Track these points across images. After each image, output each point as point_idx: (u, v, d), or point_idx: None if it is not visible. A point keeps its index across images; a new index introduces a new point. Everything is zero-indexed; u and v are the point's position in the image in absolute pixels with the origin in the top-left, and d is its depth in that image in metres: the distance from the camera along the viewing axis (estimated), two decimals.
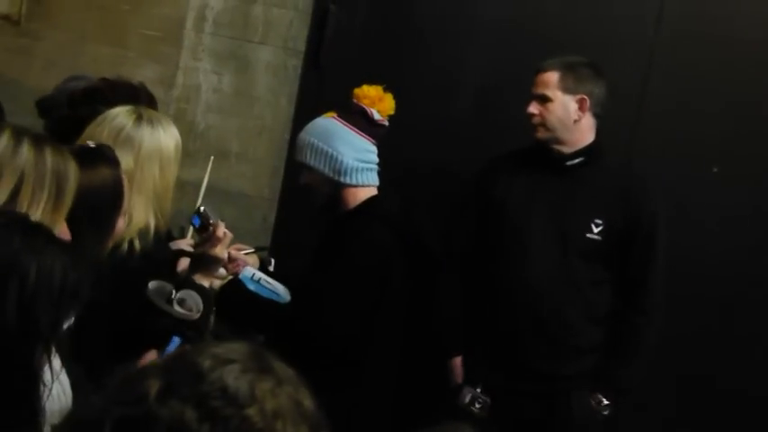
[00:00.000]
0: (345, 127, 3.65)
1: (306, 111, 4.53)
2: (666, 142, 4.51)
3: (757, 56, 4.51)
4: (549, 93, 3.92)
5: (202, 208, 3.26)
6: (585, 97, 3.92)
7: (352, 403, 3.50)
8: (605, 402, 3.95)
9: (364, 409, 3.58)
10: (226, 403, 1.22)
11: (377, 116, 3.69)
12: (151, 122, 3.03)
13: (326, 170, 3.61)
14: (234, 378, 1.24)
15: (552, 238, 3.92)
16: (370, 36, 4.63)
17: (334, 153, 3.61)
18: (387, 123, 3.71)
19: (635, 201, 3.95)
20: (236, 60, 4.53)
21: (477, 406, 3.96)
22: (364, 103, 3.69)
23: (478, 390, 3.98)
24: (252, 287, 3.48)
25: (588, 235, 3.90)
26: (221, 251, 3.09)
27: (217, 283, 3.33)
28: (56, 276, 1.86)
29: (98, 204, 2.62)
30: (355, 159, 3.62)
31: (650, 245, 3.95)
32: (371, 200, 3.65)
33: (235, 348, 1.29)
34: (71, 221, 2.41)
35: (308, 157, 3.63)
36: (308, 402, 1.30)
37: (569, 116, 3.92)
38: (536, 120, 3.93)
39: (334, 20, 4.58)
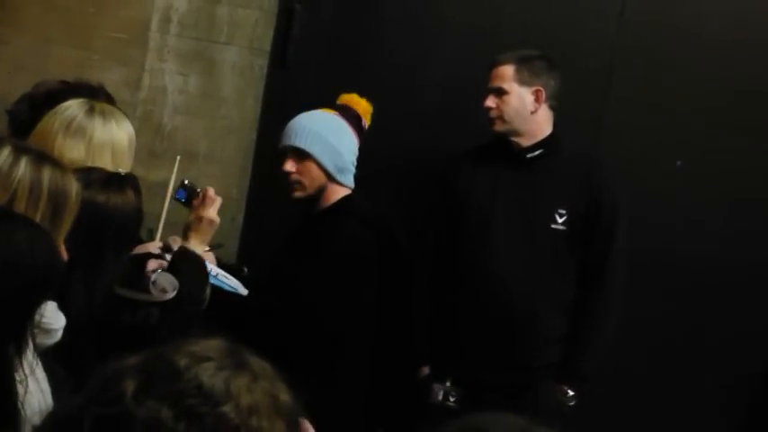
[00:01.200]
0: (348, 126, 3.72)
1: (273, 111, 4.55)
2: (631, 136, 4.55)
3: (720, 49, 4.56)
4: (504, 85, 3.98)
5: (186, 181, 3.37)
6: (541, 89, 3.98)
7: (326, 403, 3.51)
8: (571, 393, 3.99)
9: (338, 409, 3.59)
10: (201, 401, 1.24)
11: (365, 126, 3.79)
12: (103, 114, 3.03)
13: (328, 164, 3.65)
14: (209, 376, 1.26)
15: (517, 229, 3.96)
16: (335, 35, 4.64)
17: (341, 150, 3.66)
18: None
19: (596, 188, 3.99)
20: (202, 61, 4.54)
21: (451, 400, 3.99)
22: (358, 111, 3.78)
23: (448, 384, 4.01)
24: (212, 281, 3.47)
25: (553, 225, 3.94)
26: (214, 212, 3.21)
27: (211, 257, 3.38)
28: (23, 263, 1.87)
29: (124, 226, 2.71)
30: (350, 161, 3.69)
31: (611, 233, 3.99)
32: (346, 199, 3.69)
33: (211, 346, 1.31)
34: (97, 239, 2.53)
35: (311, 145, 3.64)
36: (284, 397, 1.32)
37: (526, 108, 3.98)
38: (493, 113, 3.99)
39: (299, 19, 4.59)
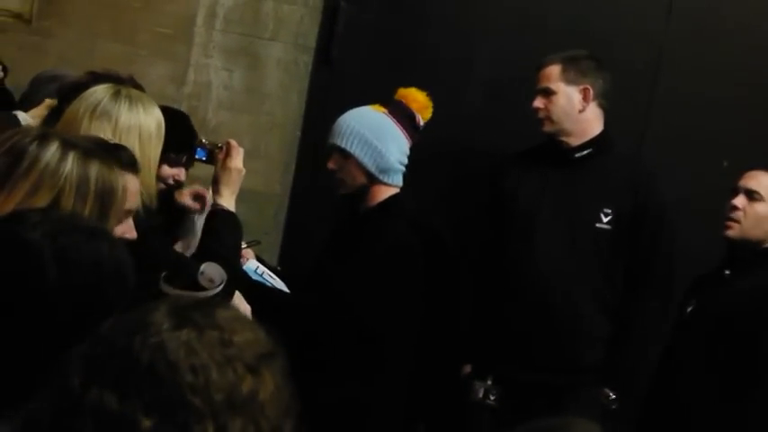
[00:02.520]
0: (396, 126, 3.65)
1: (317, 107, 4.55)
2: (676, 136, 4.51)
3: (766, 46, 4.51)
4: (551, 85, 3.97)
5: (204, 139, 3.38)
6: (589, 87, 3.96)
7: (362, 402, 3.51)
8: (613, 396, 3.95)
9: (374, 408, 3.59)
10: (142, 376, 1.25)
11: (421, 122, 3.72)
12: (130, 98, 3.00)
13: (369, 164, 3.59)
14: (149, 347, 1.27)
15: (562, 228, 3.94)
16: (380, 31, 4.64)
17: (383, 150, 3.60)
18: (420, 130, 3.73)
19: (643, 190, 3.96)
20: (247, 57, 4.54)
21: (491, 399, 3.97)
22: (413, 107, 3.69)
23: (489, 382, 3.99)
24: (255, 278, 3.50)
25: (598, 225, 3.92)
26: (241, 162, 3.21)
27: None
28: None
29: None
30: (397, 160, 3.62)
31: (658, 234, 3.97)
32: (393, 199, 3.65)
33: (155, 310, 1.32)
34: None
35: (352, 145, 3.60)
36: (239, 337, 1.30)
37: (574, 107, 3.95)
38: (541, 113, 3.97)
39: (344, 16, 4.59)
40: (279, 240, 4.52)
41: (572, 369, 3.95)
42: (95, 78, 3.32)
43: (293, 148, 4.57)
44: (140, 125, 2.98)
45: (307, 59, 4.56)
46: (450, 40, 4.62)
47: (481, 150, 4.53)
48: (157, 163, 3.08)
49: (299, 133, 4.57)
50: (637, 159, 4.15)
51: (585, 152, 3.99)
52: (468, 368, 4.08)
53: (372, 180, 3.61)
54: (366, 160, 3.60)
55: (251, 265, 3.55)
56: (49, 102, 3.48)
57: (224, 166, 3.20)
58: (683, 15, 4.54)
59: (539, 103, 3.98)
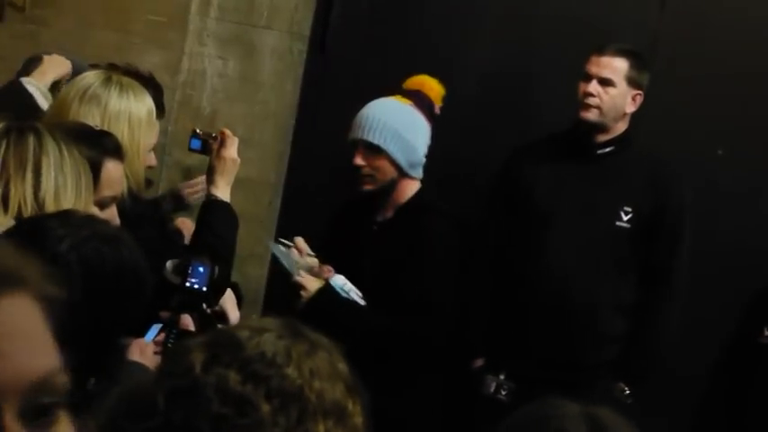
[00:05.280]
0: (423, 118, 3.59)
1: (311, 95, 4.55)
2: (672, 124, 4.51)
3: (762, 36, 4.51)
4: (615, 78, 3.91)
5: (198, 129, 3.35)
6: (641, 94, 3.93)
7: (408, 404, 3.49)
8: (628, 392, 3.94)
9: (420, 410, 3.57)
10: (265, 365, 1.32)
11: (437, 111, 3.66)
12: (120, 85, 3.02)
13: (401, 159, 3.52)
14: (270, 344, 1.35)
15: (580, 225, 3.91)
16: (374, 19, 4.63)
17: (416, 145, 3.54)
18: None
19: (663, 189, 3.94)
20: (242, 45, 4.53)
21: (503, 393, 3.95)
22: (430, 95, 3.62)
23: (502, 377, 3.96)
24: (344, 296, 3.44)
25: (618, 223, 3.89)
26: (235, 151, 3.19)
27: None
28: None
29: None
30: (424, 153, 3.58)
31: (676, 234, 3.95)
32: (421, 193, 3.60)
33: (268, 321, 1.41)
34: None
35: (385, 141, 3.51)
36: (342, 365, 1.39)
37: (624, 107, 3.93)
38: (593, 101, 3.90)
39: (339, 3, 4.58)
40: (273, 229, 4.51)
41: (586, 365, 3.94)
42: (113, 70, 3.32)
43: (288, 137, 4.56)
44: (130, 111, 2.99)
45: (301, 47, 4.55)
46: (445, 28, 4.61)
47: (474, 142, 4.52)
48: (147, 150, 3.10)
49: (293, 121, 4.56)
50: (657, 157, 4.09)
51: (609, 149, 3.96)
52: (480, 362, 4.05)
53: (402, 175, 3.55)
54: (399, 156, 3.52)
55: (337, 280, 3.47)
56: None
57: (218, 156, 3.17)
58: (678, 3, 4.53)
59: (594, 89, 3.89)
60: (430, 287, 3.44)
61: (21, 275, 0.93)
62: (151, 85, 3.37)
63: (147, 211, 3.21)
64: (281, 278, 3.63)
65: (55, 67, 3.58)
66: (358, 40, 4.59)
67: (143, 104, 3.03)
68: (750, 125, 4.51)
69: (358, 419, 1.37)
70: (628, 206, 3.90)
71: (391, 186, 3.56)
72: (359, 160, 3.54)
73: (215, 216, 3.10)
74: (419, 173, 3.60)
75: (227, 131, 3.22)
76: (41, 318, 0.94)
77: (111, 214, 2.66)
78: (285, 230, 4.54)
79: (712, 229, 4.45)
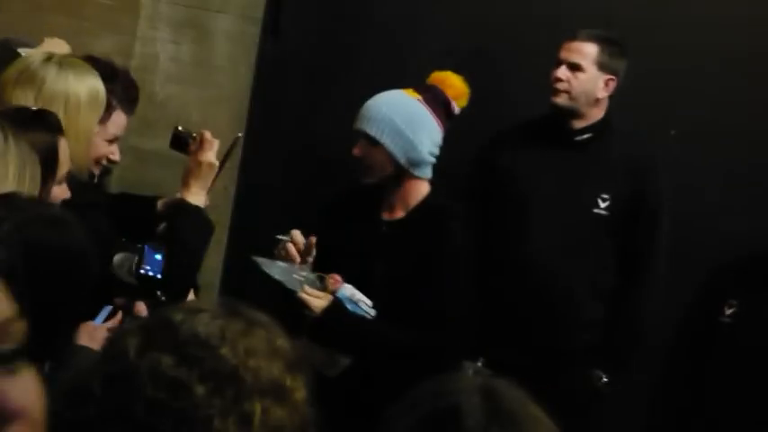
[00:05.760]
0: (430, 115, 3.42)
1: (265, 79, 4.53)
2: (624, 105, 4.53)
3: (714, 17, 4.53)
4: (583, 62, 3.91)
5: (179, 127, 3.23)
6: (614, 78, 3.93)
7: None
8: (605, 379, 3.95)
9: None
10: (199, 347, 1.32)
11: (456, 110, 3.50)
12: (60, 65, 2.88)
13: (399, 155, 3.38)
14: (204, 324, 1.35)
15: (558, 211, 3.91)
16: (328, 2, 4.62)
17: (416, 142, 3.38)
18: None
19: (641, 176, 3.96)
20: (195, 29, 4.51)
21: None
22: (449, 93, 3.47)
23: (479, 363, 3.97)
24: (349, 307, 3.32)
25: (595, 210, 3.90)
26: (214, 156, 3.07)
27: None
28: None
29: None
30: (429, 153, 3.42)
31: (654, 220, 3.97)
32: (434, 196, 3.48)
33: (204, 302, 1.44)
34: None
35: (382, 134, 3.37)
36: (281, 341, 1.39)
37: (595, 92, 3.93)
38: (562, 86, 3.91)
39: None
40: (229, 212, 4.50)
41: (564, 352, 3.94)
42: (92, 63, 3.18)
43: (242, 121, 4.54)
44: (68, 92, 2.85)
45: (254, 31, 4.53)
46: (400, 10, 4.60)
47: None
48: (90, 135, 2.95)
49: (247, 105, 4.55)
50: (635, 145, 4.10)
51: (586, 136, 3.96)
52: None
53: (402, 172, 3.42)
54: (396, 150, 3.38)
55: (345, 291, 3.34)
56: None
57: (195, 159, 3.06)
58: None
59: (563, 74, 3.90)
60: (449, 300, 3.35)
61: None
62: (121, 79, 3.23)
63: (93, 198, 3.11)
64: (274, 290, 3.35)
65: (54, 48, 3.46)
66: (311, 24, 4.58)
67: (84, 85, 2.89)
68: (703, 104, 4.54)
69: (299, 395, 1.37)
70: (605, 193, 3.91)
71: (395, 183, 3.44)
72: (356, 151, 3.43)
73: (182, 220, 3.02)
74: (425, 172, 3.45)
75: (207, 134, 3.11)
76: None
77: (64, 190, 2.64)
78: (241, 215, 4.54)
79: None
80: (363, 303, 3.33)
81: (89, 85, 2.90)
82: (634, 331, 3.99)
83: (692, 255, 4.41)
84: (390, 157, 3.39)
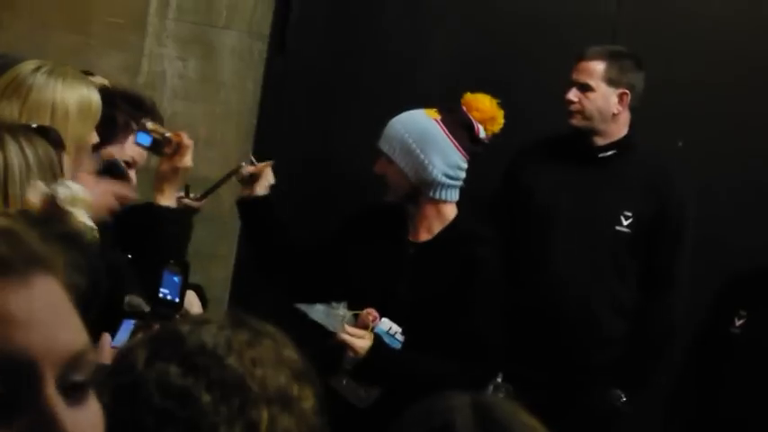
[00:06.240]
0: (446, 136, 3.35)
1: (272, 95, 4.54)
2: (632, 117, 4.53)
3: (719, 30, 4.54)
4: (591, 82, 3.91)
5: (149, 123, 3.04)
6: (627, 92, 3.92)
7: None
8: (624, 398, 3.92)
9: None
10: (206, 357, 1.34)
11: (482, 134, 3.42)
12: (51, 73, 2.68)
13: (411, 174, 3.34)
14: (211, 335, 1.37)
15: (579, 228, 3.91)
16: (335, 18, 4.63)
17: (426, 162, 3.32)
18: (486, 142, 3.44)
19: (664, 194, 3.94)
20: (201, 46, 4.52)
21: (501, 395, 3.94)
22: (474, 116, 3.40)
23: (499, 379, 3.96)
24: (387, 340, 3.29)
25: (618, 227, 3.88)
26: (190, 160, 3.01)
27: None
28: None
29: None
30: (444, 174, 3.35)
31: (677, 239, 3.95)
32: (460, 221, 3.44)
33: (211, 314, 1.40)
34: None
35: (395, 152, 3.34)
36: (288, 352, 1.41)
37: (609, 109, 3.92)
38: (574, 107, 3.91)
39: (298, 2, 4.58)
40: (236, 229, 4.50)
41: (584, 369, 3.93)
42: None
43: (249, 137, 4.55)
44: (54, 102, 2.65)
45: (261, 47, 4.54)
46: (405, 27, 4.61)
47: None
48: (82, 145, 2.74)
49: (254, 121, 4.55)
50: (659, 161, 4.08)
51: (610, 153, 3.95)
52: None
53: (417, 192, 3.38)
54: (407, 169, 3.34)
55: (383, 326, 3.30)
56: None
57: (173, 164, 2.99)
58: None
59: (573, 96, 3.90)
60: (487, 328, 3.33)
61: (47, 258, 0.96)
62: (142, 107, 3.11)
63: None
64: (315, 332, 3.27)
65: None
66: (318, 39, 4.59)
67: (75, 93, 2.69)
68: (709, 115, 4.54)
69: (306, 404, 1.38)
70: (628, 211, 3.89)
71: (413, 204, 3.40)
72: (377, 168, 3.41)
73: (170, 226, 2.98)
74: (445, 195, 3.39)
75: (185, 137, 3.03)
76: (67, 298, 0.97)
77: None
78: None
79: None
80: (399, 335, 3.30)
81: (82, 94, 2.71)
82: (655, 351, 3.96)
83: (701, 267, 4.40)
84: (404, 177, 3.36)
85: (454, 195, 3.42)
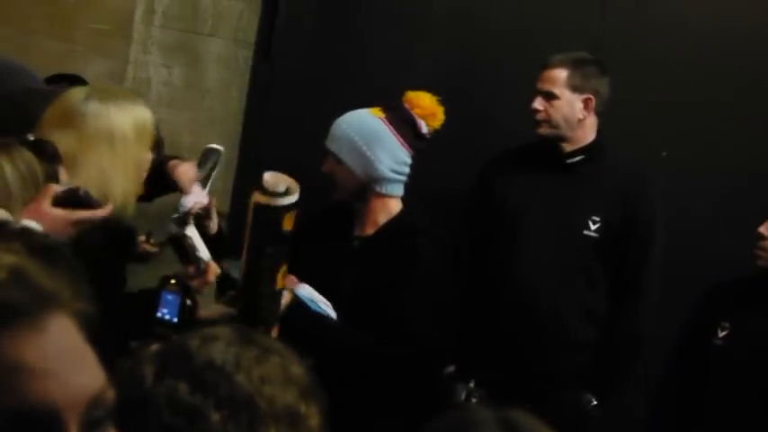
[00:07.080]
0: (391, 133, 3.43)
1: (257, 102, 4.54)
2: (616, 127, 4.55)
3: (703, 42, 4.56)
4: (555, 90, 3.93)
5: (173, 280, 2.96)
6: (591, 97, 3.94)
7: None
8: (594, 402, 3.94)
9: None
10: (215, 374, 1.35)
11: (424, 129, 3.49)
12: (102, 99, 2.75)
13: (359, 172, 3.40)
14: (220, 352, 1.37)
15: (549, 233, 3.92)
16: (320, 26, 4.64)
17: (373, 159, 3.39)
18: (428, 137, 3.50)
19: (633, 201, 3.95)
20: (187, 53, 4.52)
21: (473, 401, 3.95)
22: (416, 113, 3.48)
23: (471, 384, 3.97)
24: (311, 306, 3.31)
25: (585, 232, 3.90)
26: (211, 282, 3.02)
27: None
28: None
29: None
30: (391, 170, 3.42)
31: (646, 247, 3.96)
32: (404, 215, 3.48)
33: (220, 329, 1.43)
34: None
35: (342, 151, 3.41)
36: (296, 369, 1.41)
37: (574, 115, 3.94)
38: (540, 116, 3.93)
39: (283, 11, 4.58)
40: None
41: (554, 374, 3.93)
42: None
43: (234, 144, 4.55)
44: (112, 128, 2.73)
45: (246, 55, 4.55)
46: (391, 35, 4.62)
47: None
48: (140, 167, 2.84)
49: (239, 129, 4.56)
50: (629, 168, 4.10)
51: (578, 158, 3.98)
52: (451, 368, 4.05)
53: (365, 189, 3.44)
54: (355, 167, 3.41)
55: (303, 291, 3.33)
56: None
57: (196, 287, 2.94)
58: (619, 9, 4.57)
59: (539, 105, 3.93)
60: (413, 314, 3.32)
61: (56, 294, 0.94)
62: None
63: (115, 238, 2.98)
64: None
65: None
66: (303, 47, 4.59)
67: (128, 115, 2.77)
68: (693, 126, 4.56)
69: (313, 422, 1.39)
70: (596, 215, 3.91)
71: (362, 200, 3.46)
72: (324, 167, 3.47)
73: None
74: (391, 190, 3.45)
75: (211, 265, 2.99)
76: (81, 334, 0.96)
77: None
78: (234, 239, 4.53)
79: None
80: (323, 303, 3.33)
81: (134, 114, 2.79)
82: (625, 356, 3.98)
83: (682, 277, 4.42)
84: (352, 174, 3.42)
85: (399, 190, 3.48)
